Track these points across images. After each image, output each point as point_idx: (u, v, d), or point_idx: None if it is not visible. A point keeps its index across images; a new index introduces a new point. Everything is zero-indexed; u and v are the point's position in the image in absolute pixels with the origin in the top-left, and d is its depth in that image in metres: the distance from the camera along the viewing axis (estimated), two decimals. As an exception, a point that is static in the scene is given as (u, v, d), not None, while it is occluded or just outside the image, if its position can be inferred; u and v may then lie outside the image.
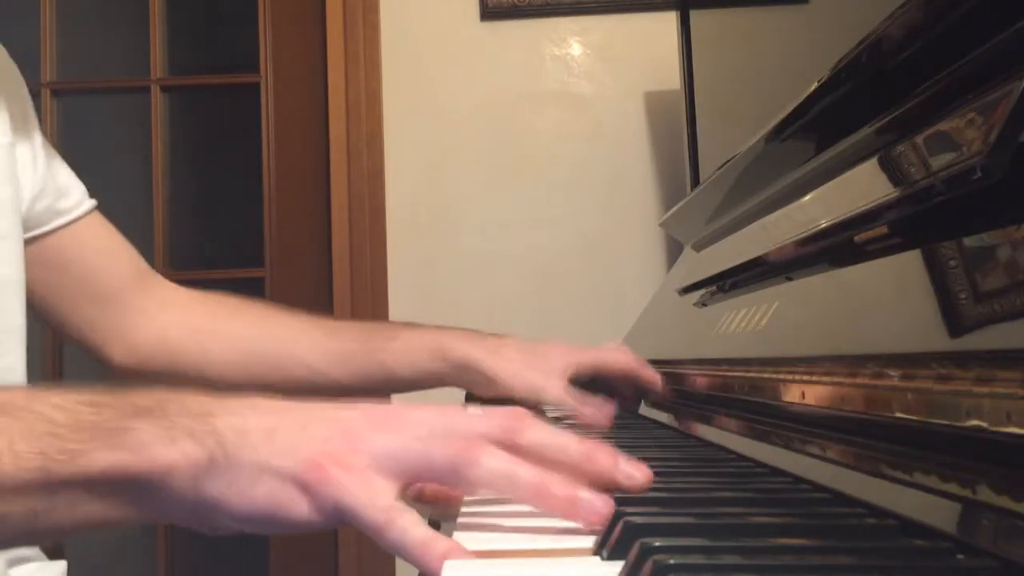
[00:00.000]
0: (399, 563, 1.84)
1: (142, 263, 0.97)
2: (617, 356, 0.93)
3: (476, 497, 0.51)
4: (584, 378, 0.91)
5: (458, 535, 0.46)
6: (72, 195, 0.90)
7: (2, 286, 0.78)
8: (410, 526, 0.42)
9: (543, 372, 0.87)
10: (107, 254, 0.92)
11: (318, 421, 0.46)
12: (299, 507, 0.44)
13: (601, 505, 0.43)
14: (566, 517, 0.44)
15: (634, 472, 0.47)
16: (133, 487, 0.44)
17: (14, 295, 0.80)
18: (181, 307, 0.96)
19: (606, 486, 0.46)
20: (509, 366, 0.87)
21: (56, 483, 0.43)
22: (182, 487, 0.44)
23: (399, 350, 0.91)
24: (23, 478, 0.43)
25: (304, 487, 0.44)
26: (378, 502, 0.43)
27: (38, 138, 0.88)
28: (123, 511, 0.45)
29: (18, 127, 0.84)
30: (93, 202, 0.93)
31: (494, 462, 0.44)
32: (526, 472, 0.44)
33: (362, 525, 0.43)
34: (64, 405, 0.46)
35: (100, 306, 0.91)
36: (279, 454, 0.44)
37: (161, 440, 0.44)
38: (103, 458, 0.44)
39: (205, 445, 0.44)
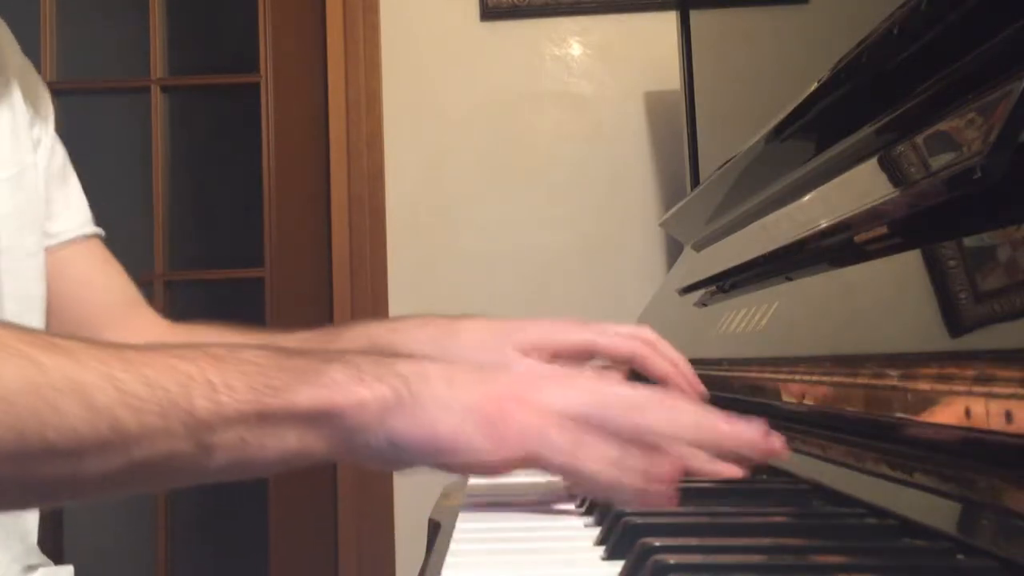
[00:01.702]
0: (399, 558, 1.84)
1: (133, 295, 0.96)
2: (618, 339, 0.73)
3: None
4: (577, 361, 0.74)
5: (459, 535, 0.46)
6: (68, 219, 0.89)
7: (28, 301, 0.80)
8: (595, 463, 0.47)
9: (503, 354, 0.75)
10: (92, 284, 0.92)
11: (494, 375, 0.51)
12: (480, 440, 0.48)
13: (773, 439, 0.51)
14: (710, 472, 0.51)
15: (773, 443, 0.52)
16: (330, 420, 0.49)
17: (37, 311, 0.81)
18: (154, 338, 0.94)
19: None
20: (460, 352, 0.79)
21: (265, 414, 0.48)
22: (371, 421, 0.48)
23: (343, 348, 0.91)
24: (238, 409, 0.47)
25: (488, 424, 0.48)
26: (562, 436, 0.48)
27: (43, 161, 0.88)
28: (319, 444, 0.49)
29: (43, 147, 0.86)
30: (89, 230, 0.91)
31: (667, 422, 0.50)
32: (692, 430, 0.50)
33: (546, 462, 0.48)
34: (264, 354, 0.51)
35: (79, 334, 0.89)
36: (461, 393, 0.49)
37: (353, 380, 0.49)
38: (305, 393, 0.48)
39: (392, 385, 0.49)
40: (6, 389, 0.44)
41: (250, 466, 0.50)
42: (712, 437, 0.51)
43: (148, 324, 0.96)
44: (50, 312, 0.87)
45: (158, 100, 2.02)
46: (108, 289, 0.94)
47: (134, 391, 0.46)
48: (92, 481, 0.47)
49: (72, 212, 0.91)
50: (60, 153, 0.90)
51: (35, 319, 0.81)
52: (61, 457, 0.45)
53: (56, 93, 2.00)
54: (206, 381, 0.48)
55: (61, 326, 0.88)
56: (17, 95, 0.83)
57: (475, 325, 0.85)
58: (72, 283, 0.89)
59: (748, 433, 0.51)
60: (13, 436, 0.44)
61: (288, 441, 0.49)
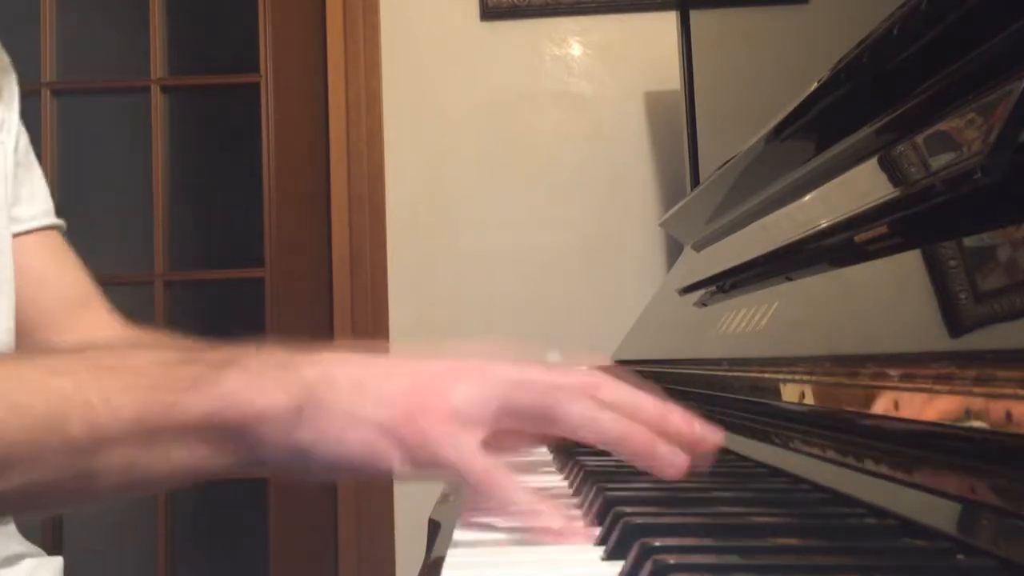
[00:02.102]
0: (399, 557, 1.84)
1: (86, 291, 0.90)
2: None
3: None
4: None
5: (458, 535, 0.46)
6: (33, 206, 0.85)
7: None
8: (515, 490, 0.45)
9: None
10: (41, 280, 0.86)
11: (403, 373, 0.48)
12: (392, 457, 0.45)
13: (679, 459, 0.46)
14: (645, 465, 0.46)
15: (708, 433, 0.49)
16: (226, 434, 0.45)
17: (6, 293, 0.78)
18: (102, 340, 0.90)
19: (680, 446, 0.48)
20: None
21: (152, 432, 0.45)
22: (274, 433, 0.45)
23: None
24: (120, 428, 0.44)
25: (397, 439, 0.45)
26: (477, 460, 0.45)
27: (10, 142, 0.83)
28: (217, 458, 0.46)
29: (5, 130, 0.81)
30: (54, 220, 0.87)
31: (580, 407, 0.46)
32: (610, 418, 0.46)
33: (463, 481, 0.46)
34: (156, 360, 0.47)
35: (27, 330, 0.84)
36: (369, 404, 0.46)
37: (250, 389, 0.45)
38: (196, 405, 0.45)
39: (294, 394, 0.46)
40: None
41: (145, 486, 0.47)
42: (634, 426, 0.47)
43: (98, 324, 0.90)
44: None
45: (158, 100, 2.02)
46: (60, 285, 0.88)
47: (1, 418, 0.43)
48: None
49: (36, 200, 0.86)
50: (25, 138, 0.85)
51: (4, 302, 0.78)
52: None
53: (56, 93, 2.01)
54: (83, 401, 0.44)
55: (19, 323, 0.82)
56: None
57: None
58: (25, 276, 0.83)
59: (677, 421, 0.48)
60: None
61: (181, 457, 0.46)
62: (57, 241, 0.89)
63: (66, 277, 0.89)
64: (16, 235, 0.83)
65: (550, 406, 0.46)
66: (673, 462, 0.46)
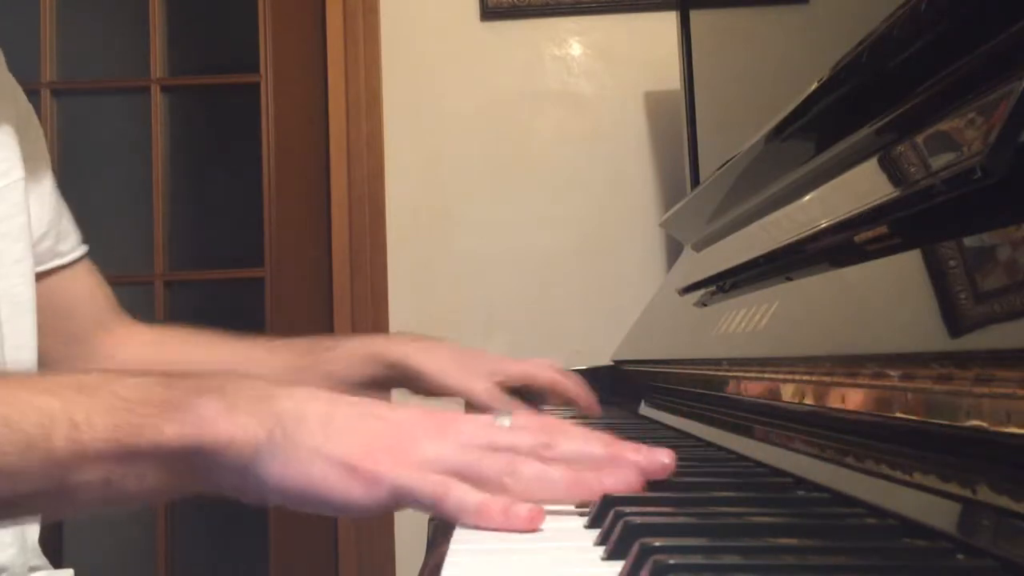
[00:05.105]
0: (399, 557, 1.84)
1: (114, 304, 1.00)
2: (544, 369, 0.97)
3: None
4: (513, 386, 0.95)
5: (459, 536, 0.46)
6: (70, 239, 0.94)
7: (18, 305, 0.82)
8: (465, 494, 0.46)
9: (472, 373, 0.91)
10: (87, 299, 0.96)
11: (373, 417, 0.50)
12: (352, 491, 0.47)
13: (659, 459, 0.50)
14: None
15: (658, 457, 0.51)
16: (196, 458, 0.48)
17: (27, 314, 0.83)
18: (136, 345, 0.99)
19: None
20: (438, 364, 0.92)
21: (128, 453, 0.47)
22: (240, 461, 0.47)
23: (340, 359, 0.94)
24: (99, 448, 0.47)
25: (358, 473, 0.47)
26: (429, 478, 0.47)
27: (49, 180, 0.92)
28: (185, 480, 0.49)
29: (32, 166, 0.88)
30: (86, 247, 0.96)
31: (532, 471, 0.48)
32: (559, 477, 0.48)
33: (418, 500, 0.47)
34: (136, 385, 0.50)
35: (71, 347, 0.93)
36: (335, 441, 0.48)
37: (223, 416, 0.48)
38: (170, 431, 0.47)
39: (264, 425, 0.48)
40: None
41: (118, 502, 0.49)
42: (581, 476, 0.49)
43: (130, 329, 0.99)
44: (57, 328, 0.91)
45: (158, 100, 2.02)
46: (100, 300, 0.97)
47: None
48: None
49: (71, 233, 0.95)
50: (47, 165, 0.93)
51: (27, 322, 0.83)
52: None
53: (56, 93, 2.01)
54: (68, 420, 0.47)
55: (65, 342, 0.92)
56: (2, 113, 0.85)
57: (450, 345, 0.97)
58: (77, 298, 0.94)
59: (631, 457, 0.50)
60: None
61: (153, 479, 0.48)
62: (89, 267, 0.97)
63: (101, 292, 0.98)
64: (67, 264, 0.92)
65: (507, 473, 0.48)
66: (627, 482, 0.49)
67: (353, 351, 0.93)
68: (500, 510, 0.45)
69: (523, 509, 0.45)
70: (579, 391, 0.96)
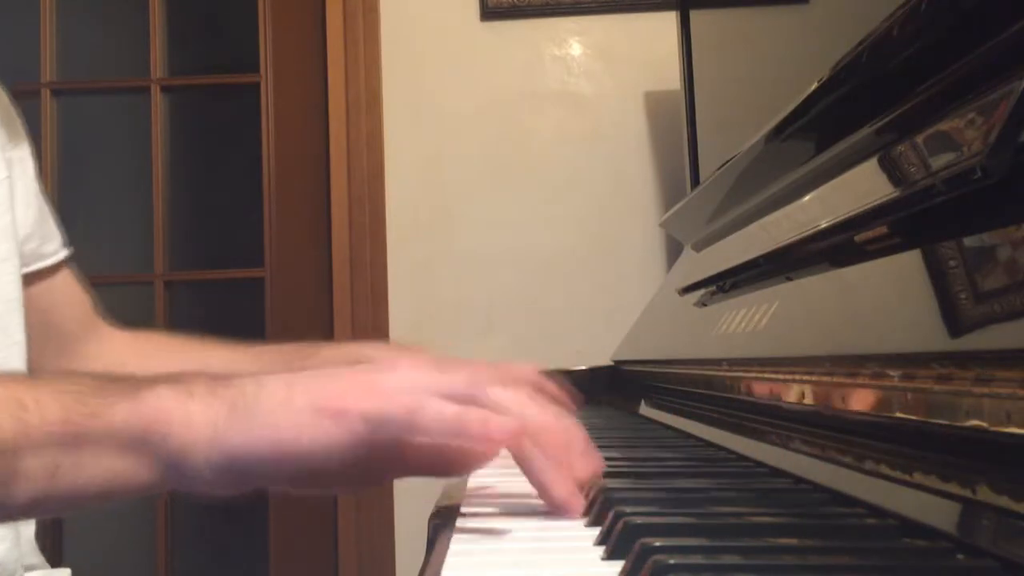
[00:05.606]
0: (399, 553, 1.84)
1: (96, 307, 0.99)
2: (523, 374, 0.96)
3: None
4: None
5: (458, 536, 0.46)
6: (54, 241, 0.94)
7: (8, 303, 0.82)
8: (442, 406, 0.45)
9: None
10: (70, 301, 0.95)
11: (334, 374, 0.49)
12: (325, 430, 0.45)
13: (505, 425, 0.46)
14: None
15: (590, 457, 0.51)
16: (152, 440, 0.45)
17: (15, 312, 0.83)
18: (117, 350, 0.99)
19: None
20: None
21: (79, 436, 0.45)
22: (201, 440, 0.45)
23: (320, 366, 0.93)
24: (48, 431, 0.45)
25: (326, 412, 0.45)
26: (400, 398, 0.45)
27: (34, 181, 0.92)
28: (143, 469, 0.46)
29: (17, 167, 0.88)
30: (69, 250, 0.96)
31: (438, 409, 0.46)
32: (472, 414, 0.46)
33: (394, 421, 0.45)
34: (94, 375, 0.48)
35: (56, 350, 0.93)
36: (299, 392, 0.46)
37: (180, 396, 0.46)
38: (124, 410, 0.45)
39: (224, 397, 0.46)
40: None
41: (67, 496, 0.46)
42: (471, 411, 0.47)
43: (111, 333, 0.99)
44: (41, 330, 0.90)
45: (158, 100, 2.01)
46: (82, 303, 0.97)
47: None
48: None
49: (55, 235, 0.94)
50: (31, 164, 0.93)
51: (15, 320, 0.83)
52: None
53: (56, 93, 2.01)
54: (16, 401, 0.45)
55: (49, 344, 0.91)
56: None
57: (427, 352, 0.93)
58: (61, 300, 0.93)
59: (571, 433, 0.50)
60: None
61: (107, 466, 0.45)
62: (72, 270, 0.96)
63: (83, 296, 0.97)
64: (50, 266, 0.91)
65: (415, 411, 0.46)
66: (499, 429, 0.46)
67: (330, 358, 0.92)
68: (479, 419, 0.44)
69: (503, 421, 0.44)
70: (559, 397, 0.96)
